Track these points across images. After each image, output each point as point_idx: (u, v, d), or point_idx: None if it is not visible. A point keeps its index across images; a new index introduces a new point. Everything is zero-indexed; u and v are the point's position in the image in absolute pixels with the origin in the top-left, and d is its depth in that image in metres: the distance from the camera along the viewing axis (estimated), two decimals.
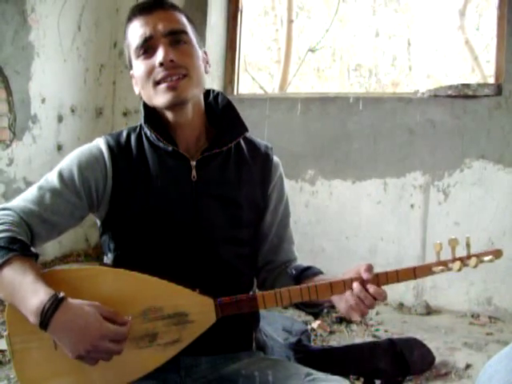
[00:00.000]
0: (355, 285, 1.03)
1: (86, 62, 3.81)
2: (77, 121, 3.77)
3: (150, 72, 1.13)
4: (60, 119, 3.64)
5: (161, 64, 1.11)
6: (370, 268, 1.04)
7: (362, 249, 3.33)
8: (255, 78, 5.89)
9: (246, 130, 1.24)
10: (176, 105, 1.14)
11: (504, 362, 1.01)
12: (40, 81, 3.43)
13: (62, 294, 0.94)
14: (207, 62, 1.24)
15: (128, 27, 1.18)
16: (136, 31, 1.15)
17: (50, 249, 3.53)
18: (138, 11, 1.17)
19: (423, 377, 2.14)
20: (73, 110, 3.73)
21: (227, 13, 3.91)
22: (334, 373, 1.13)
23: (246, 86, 5.46)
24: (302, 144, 3.47)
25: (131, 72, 1.23)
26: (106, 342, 0.93)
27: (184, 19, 1.18)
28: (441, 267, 1.05)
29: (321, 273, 1.20)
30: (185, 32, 1.16)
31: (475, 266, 1.04)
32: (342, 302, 1.06)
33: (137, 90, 1.23)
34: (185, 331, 1.02)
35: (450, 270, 1.05)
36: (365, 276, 1.03)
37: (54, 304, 0.93)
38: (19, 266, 0.98)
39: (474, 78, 5.51)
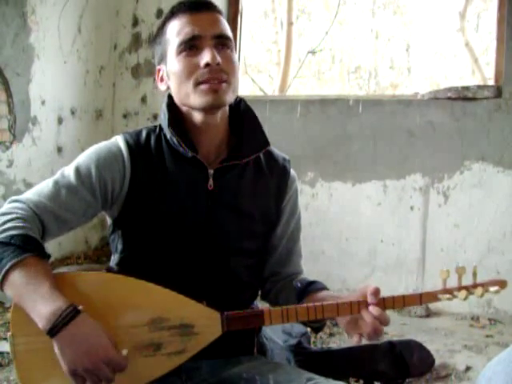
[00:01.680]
0: (363, 311, 1.03)
1: (86, 64, 3.82)
2: (77, 123, 3.78)
3: (192, 71, 1.11)
4: (60, 121, 3.64)
5: (207, 65, 1.09)
6: (376, 292, 1.03)
7: (361, 251, 3.33)
8: (255, 80, 5.89)
9: (267, 144, 1.22)
10: (213, 108, 1.13)
11: (504, 364, 1.01)
12: (40, 83, 3.43)
13: (80, 307, 0.94)
14: None
15: (170, 22, 1.16)
16: (182, 27, 1.12)
17: (49, 250, 3.51)
18: (185, 8, 1.14)
19: (423, 379, 2.14)
20: (73, 112, 3.74)
21: (227, 15, 3.91)
22: (333, 375, 1.13)
23: (245, 88, 5.47)
24: (302, 146, 3.47)
25: (158, 67, 1.20)
26: (106, 367, 0.93)
27: (227, 25, 1.18)
28: (447, 295, 1.06)
29: (325, 288, 1.19)
30: (230, 39, 1.16)
31: (481, 296, 1.05)
32: (346, 322, 1.06)
33: (163, 86, 1.20)
34: (190, 343, 1.02)
35: (455, 297, 1.06)
36: (370, 299, 1.03)
37: (72, 314, 0.92)
38: (34, 267, 0.97)
39: (473, 80, 5.51)
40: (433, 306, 3.09)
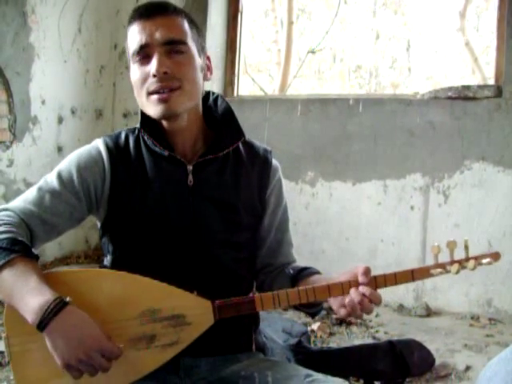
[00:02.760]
0: (352, 290, 1.03)
1: (86, 64, 3.81)
2: (77, 122, 3.78)
3: (143, 80, 1.13)
4: (60, 120, 3.64)
5: (154, 75, 1.10)
6: (367, 271, 1.04)
7: (361, 250, 3.33)
8: (255, 79, 5.89)
9: (242, 135, 1.23)
10: (166, 117, 1.14)
11: (504, 363, 1.01)
12: (40, 82, 3.43)
13: (68, 299, 0.94)
14: (208, 69, 1.23)
15: (128, 30, 1.17)
16: (134, 36, 1.14)
17: (49, 250, 3.53)
18: (137, 15, 1.14)
19: (423, 378, 2.14)
20: (73, 112, 3.74)
21: (227, 14, 3.91)
22: (333, 374, 1.13)
23: (246, 87, 5.46)
24: (302, 146, 3.47)
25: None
26: (100, 356, 0.93)
27: (185, 26, 1.16)
28: (439, 269, 1.06)
29: (318, 273, 1.20)
30: (183, 42, 1.13)
31: (473, 269, 1.05)
32: (338, 303, 1.06)
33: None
34: (183, 333, 1.02)
35: (448, 272, 1.06)
36: (361, 279, 1.03)
37: (59, 305, 0.93)
38: (22, 267, 0.98)
39: (473, 80, 5.51)
40: (433, 305, 3.09)
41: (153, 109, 1.13)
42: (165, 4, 1.16)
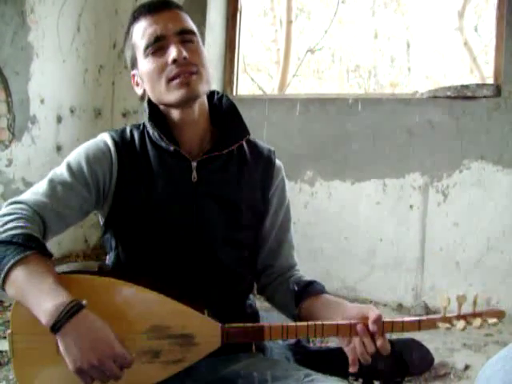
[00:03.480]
0: (366, 340, 1.03)
1: (85, 63, 3.81)
2: (76, 121, 3.77)
3: (161, 69, 1.13)
4: (59, 120, 3.64)
5: (174, 61, 1.11)
6: (378, 319, 1.03)
7: (361, 249, 3.33)
8: (254, 78, 5.89)
9: (247, 133, 1.24)
10: (189, 100, 1.14)
11: (502, 362, 1.01)
12: (39, 81, 3.43)
13: (84, 302, 0.93)
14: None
15: (133, 27, 1.18)
16: (145, 30, 1.14)
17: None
18: (145, 11, 1.16)
19: (422, 378, 2.14)
20: (72, 111, 3.74)
21: (226, 13, 3.91)
22: (332, 374, 1.13)
23: (245, 86, 5.46)
24: (301, 145, 3.48)
25: (132, 72, 1.22)
26: (112, 363, 0.92)
27: (190, 19, 1.20)
28: (446, 324, 1.07)
29: (323, 290, 1.19)
30: (193, 32, 1.17)
31: (479, 327, 1.06)
32: (346, 343, 1.07)
33: (139, 90, 1.22)
34: (188, 353, 1.03)
35: (453, 326, 1.06)
36: (372, 328, 1.03)
37: (75, 308, 0.91)
38: (37, 265, 0.97)
39: (472, 79, 5.51)
40: (431, 304, 3.10)
41: (175, 93, 1.13)
42: (168, 0, 1.19)
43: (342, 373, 1.57)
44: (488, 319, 1.06)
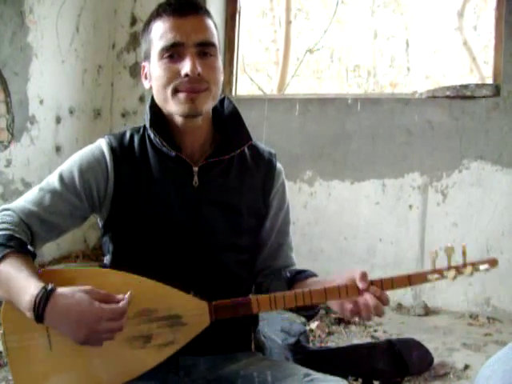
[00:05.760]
0: (366, 294, 1.02)
1: (84, 63, 3.81)
2: (75, 122, 3.77)
3: (171, 78, 1.11)
4: (58, 120, 3.63)
5: (186, 75, 1.09)
6: (364, 276, 1.04)
7: (360, 249, 3.33)
8: (253, 79, 5.89)
9: (249, 139, 1.23)
10: (190, 116, 1.14)
11: (502, 362, 1.01)
12: (38, 82, 3.43)
13: (50, 286, 0.95)
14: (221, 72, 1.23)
15: (155, 22, 1.15)
16: (165, 32, 1.12)
17: (48, 250, 3.52)
18: (171, 10, 1.12)
19: (422, 377, 2.14)
20: (71, 111, 3.73)
21: (225, 14, 3.91)
22: (332, 373, 1.13)
23: (244, 87, 5.45)
24: (301, 145, 3.48)
25: (144, 63, 1.20)
26: (103, 323, 0.94)
27: (214, 27, 1.16)
28: (436, 275, 1.06)
29: (315, 275, 1.20)
30: (214, 45, 1.14)
31: (470, 275, 1.05)
32: (341, 306, 1.06)
33: (147, 84, 1.20)
34: (179, 333, 1.03)
35: (444, 278, 1.06)
36: (360, 285, 1.03)
37: (45, 296, 0.93)
38: (14, 262, 0.99)
39: (472, 79, 5.51)
40: (431, 304, 3.10)
41: (178, 106, 1.12)
42: (197, 3, 1.16)
43: (341, 372, 1.57)
44: (479, 266, 1.05)
